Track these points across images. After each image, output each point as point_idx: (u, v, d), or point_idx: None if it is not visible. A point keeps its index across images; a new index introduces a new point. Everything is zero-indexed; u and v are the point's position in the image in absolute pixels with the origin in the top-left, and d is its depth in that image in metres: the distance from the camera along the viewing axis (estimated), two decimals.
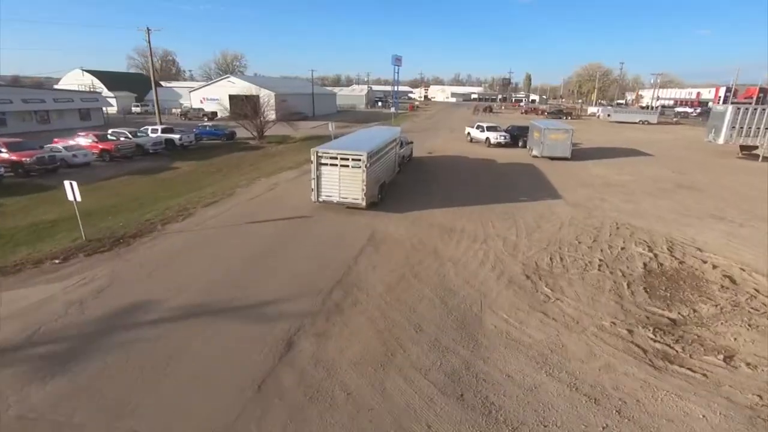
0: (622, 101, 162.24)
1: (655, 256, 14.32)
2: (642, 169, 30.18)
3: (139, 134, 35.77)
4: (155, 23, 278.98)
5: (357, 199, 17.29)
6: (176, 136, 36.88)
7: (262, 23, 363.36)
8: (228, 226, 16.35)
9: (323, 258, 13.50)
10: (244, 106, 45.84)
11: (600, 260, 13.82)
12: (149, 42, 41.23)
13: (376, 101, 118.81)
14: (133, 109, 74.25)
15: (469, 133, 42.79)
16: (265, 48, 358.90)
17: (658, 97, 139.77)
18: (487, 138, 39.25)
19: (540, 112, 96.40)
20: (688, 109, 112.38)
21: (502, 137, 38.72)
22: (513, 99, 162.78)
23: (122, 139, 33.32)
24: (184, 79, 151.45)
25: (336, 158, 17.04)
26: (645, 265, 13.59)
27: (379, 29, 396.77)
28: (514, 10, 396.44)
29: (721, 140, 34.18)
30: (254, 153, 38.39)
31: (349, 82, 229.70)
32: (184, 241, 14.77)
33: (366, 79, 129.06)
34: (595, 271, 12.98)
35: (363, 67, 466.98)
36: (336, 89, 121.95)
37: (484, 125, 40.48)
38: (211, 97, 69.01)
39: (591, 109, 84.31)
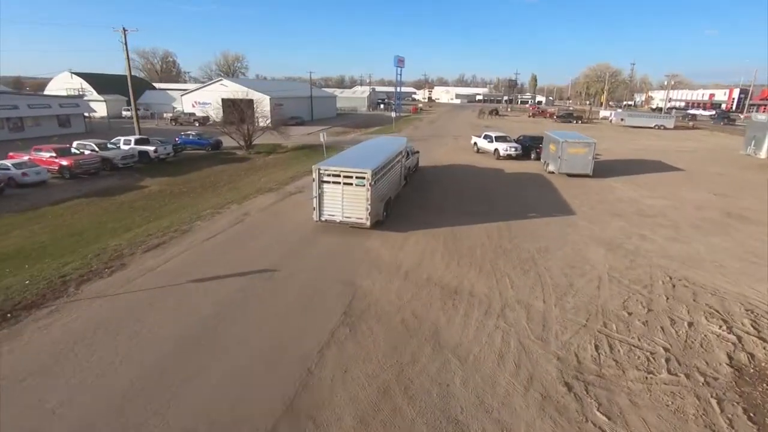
0: (631, 103, 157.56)
1: (739, 339, 10.32)
2: (676, 190, 26.01)
3: (109, 146, 32.05)
4: (157, 24, 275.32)
5: (361, 218, 16.15)
6: (150, 148, 33.10)
7: (265, 23, 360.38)
8: (165, 286, 12.44)
9: (277, 348, 9.59)
10: (234, 112, 42.02)
11: (665, 350, 9.83)
12: (125, 43, 37.53)
13: (378, 103, 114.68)
14: (124, 113, 70.66)
15: (475, 143, 38.74)
16: (268, 49, 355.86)
17: (670, 98, 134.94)
18: (496, 149, 35.20)
19: (548, 115, 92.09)
20: (703, 112, 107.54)
21: (513, 149, 34.66)
22: (519, 101, 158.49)
23: (87, 152, 29.59)
24: (185, 81, 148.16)
25: (339, 176, 15.86)
26: (730, 358, 9.59)
27: (383, 29, 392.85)
28: (520, 10, 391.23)
29: (763, 154, 29.94)
30: (237, 166, 34.54)
31: (353, 83, 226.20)
32: (96, 314, 10.87)
33: (368, 81, 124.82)
34: (664, 375, 8.98)
35: (367, 67, 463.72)
36: (337, 91, 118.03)
37: (493, 135, 36.42)
38: (203, 101, 65.33)
39: (602, 113, 79.90)
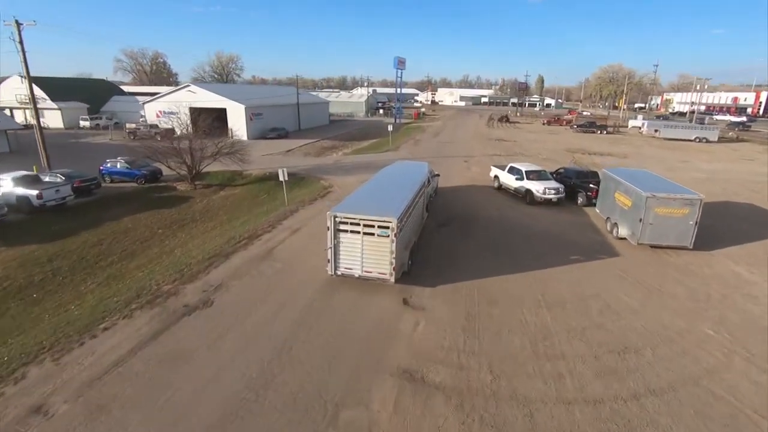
0: (644, 105, 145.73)
1: None
2: None
3: None
4: (156, 25, 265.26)
5: (384, 273, 13.19)
6: (33, 193, 22.52)
7: (267, 24, 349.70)
8: None
9: None
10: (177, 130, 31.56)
11: None
12: (21, 41, 26.80)
13: (377, 108, 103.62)
14: (82, 123, 60.25)
15: (496, 177, 27.97)
16: (268, 50, 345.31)
17: (692, 102, 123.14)
18: (528, 191, 24.36)
19: (565, 122, 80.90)
20: (733, 118, 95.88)
21: (554, 191, 23.80)
22: (527, 103, 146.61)
23: None
24: (176, 84, 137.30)
25: (358, 224, 13.02)
26: None
27: (385, 29, 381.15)
28: (523, 10, 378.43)
29: None
30: (164, 215, 23.96)
31: (354, 84, 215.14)
32: None
33: (366, 83, 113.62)
34: None
35: (369, 68, 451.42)
36: (333, 95, 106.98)
37: (523, 169, 25.45)
38: (169, 110, 54.64)
39: (632, 122, 68.87)
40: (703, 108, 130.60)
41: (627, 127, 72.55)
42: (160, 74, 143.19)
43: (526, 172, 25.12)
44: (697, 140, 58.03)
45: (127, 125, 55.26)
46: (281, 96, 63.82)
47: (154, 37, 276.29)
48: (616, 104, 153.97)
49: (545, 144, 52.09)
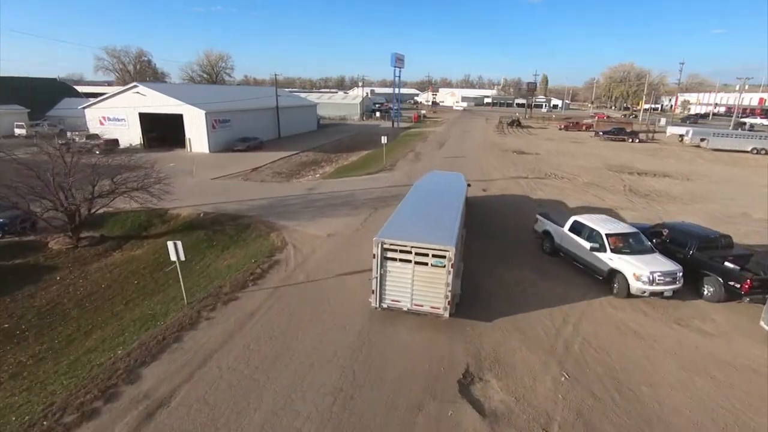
0: (656, 106, 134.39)
1: None
2: None
3: None
4: (156, 24, 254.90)
5: (437, 307, 11.24)
6: None
7: (262, 24, 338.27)
8: None
9: None
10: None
11: None
12: None
13: (373, 111, 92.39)
14: (17, 131, 49.26)
15: (546, 234, 17.07)
16: (263, 50, 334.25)
17: (716, 104, 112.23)
18: (618, 275, 13.45)
19: (585, 127, 69.94)
20: (764, 121, 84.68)
21: (669, 278, 12.89)
22: (533, 105, 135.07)
23: None
24: (163, 81, 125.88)
25: (409, 252, 11.05)
26: None
27: (385, 28, 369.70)
28: (524, 9, 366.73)
29: None
30: None
31: (353, 83, 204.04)
32: None
33: (361, 83, 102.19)
34: None
35: (369, 68, 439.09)
36: (324, 97, 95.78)
37: (602, 231, 14.27)
38: (115, 116, 43.86)
39: (670, 129, 57.74)
40: (723, 110, 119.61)
41: (661, 133, 61.32)
42: (145, 74, 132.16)
43: (608, 236, 14.21)
44: (755, 151, 47.19)
45: (71, 134, 44.19)
46: (257, 99, 52.85)
47: (149, 36, 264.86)
48: (628, 105, 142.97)
49: (576, 158, 41.21)
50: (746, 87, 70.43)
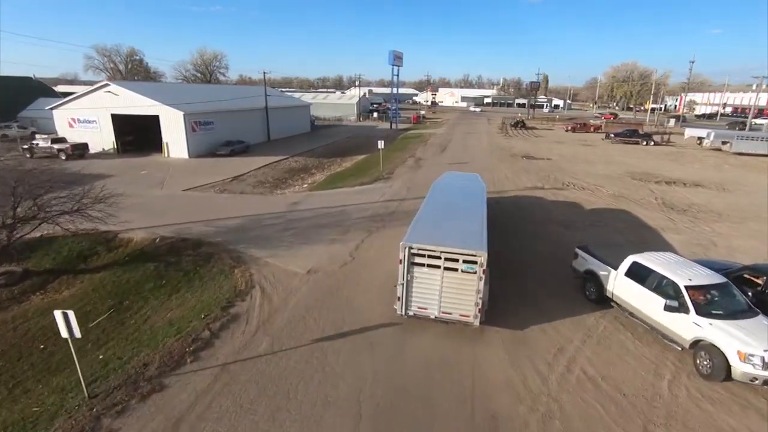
0: (660, 106, 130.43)
1: None
2: None
3: None
4: (153, 24, 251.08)
5: (467, 315, 10.60)
6: None
7: (260, 23, 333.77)
8: None
9: None
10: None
11: None
12: None
13: (370, 111, 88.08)
14: None
15: (592, 274, 12.92)
16: (261, 49, 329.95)
17: (724, 104, 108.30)
18: (712, 350, 9.42)
19: (594, 128, 65.95)
20: None
21: None
22: (531, 104, 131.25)
23: None
24: (157, 81, 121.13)
25: (438, 257, 10.39)
26: None
27: (383, 28, 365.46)
28: (524, 9, 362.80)
29: None
30: None
31: (351, 83, 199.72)
32: None
33: (357, 82, 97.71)
34: None
35: (367, 68, 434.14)
36: (319, 97, 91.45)
37: (680, 283, 10.18)
38: (86, 117, 39.63)
39: (689, 131, 53.69)
40: (729, 110, 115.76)
41: (678, 135, 57.11)
42: (137, 73, 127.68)
43: (689, 289, 10.11)
44: None
45: (35, 139, 39.79)
46: (245, 99, 48.63)
47: (146, 36, 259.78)
48: (631, 105, 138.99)
49: (593, 165, 37.13)
50: (763, 86, 66.15)
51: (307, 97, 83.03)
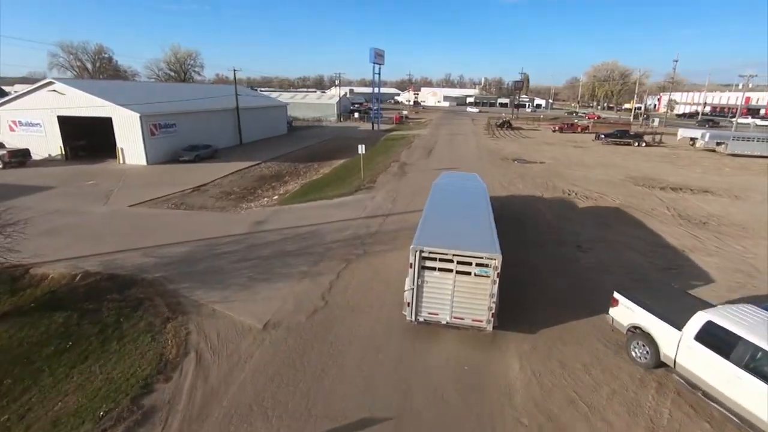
0: (639, 106, 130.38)
1: None
2: None
3: None
4: (127, 23, 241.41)
5: (480, 320, 10.17)
6: None
7: (239, 22, 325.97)
8: None
9: None
10: None
11: None
12: None
13: (351, 111, 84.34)
14: None
15: (639, 331, 9.90)
16: (240, 48, 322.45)
17: (704, 103, 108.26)
18: None
19: (581, 129, 63.77)
20: (759, 121, 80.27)
21: None
22: (516, 103, 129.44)
23: None
24: (126, 80, 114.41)
25: (451, 260, 9.89)
26: None
27: (364, 27, 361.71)
28: (505, 10, 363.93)
29: None
30: None
31: (332, 83, 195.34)
32: None
33: (337, 81, 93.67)
34: None
35: (348, 68, 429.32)
36: (297, 97, 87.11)
37: None
38: (29, 119, 34.91)
39: (681, 132, 51.64)
40: (708, 109, 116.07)
41: (670, 136, 55.07)
42: (105, 71, 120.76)
43: None
44: None
45: None
46: (213, 98, 44.43)
47: (119, 34, 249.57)
48: (612, 105, 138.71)
49: (590, 168, 34.41)
50: (750, 85, 65.02)
51: (285, 97, 78.81)
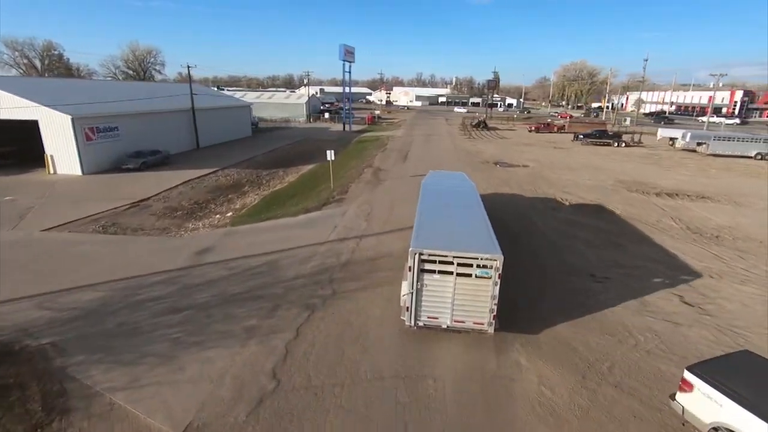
0: (607, 105, 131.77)
1: None
2: None
3: None
4: (89, 19, 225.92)
5: (481, 323, 9.97)
6: None
7: (206, 20, 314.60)
8: None
9: None
10: None
11: None
12: None
13: (321, 111, 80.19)
14: None
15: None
16: (209, 47, 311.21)
17: (671, 102, 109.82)
18: None
19: (557, 128, 62.15)
20: (726, 120, 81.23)
21: None
22: (489, 102, 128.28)
23: None
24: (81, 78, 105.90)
25: (451, 262, 9.63)
26: None
27: (334, 26, 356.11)
28: (474, 11, 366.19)
29: None
30: None
31: (301, 83, 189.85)
32: None
33: (306, 80, 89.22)
34: None
35: (318, 68, 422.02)
36: (264, 96, 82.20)
37: None
38: None
39: (661, 132, 50.23)
40: (673, 108, 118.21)
41: (649, 135, 53.87)
42: (56, 69, 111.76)
43: None
44: (759, 157, 40.68)
45: None
46: (165, 98, 39.72)
47: (79, 31, 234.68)
48: (581, 104, 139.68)
49: (575, 171, 32.05)
50: (721, 84, 65.10)
51: (250, 97, 73.97)
